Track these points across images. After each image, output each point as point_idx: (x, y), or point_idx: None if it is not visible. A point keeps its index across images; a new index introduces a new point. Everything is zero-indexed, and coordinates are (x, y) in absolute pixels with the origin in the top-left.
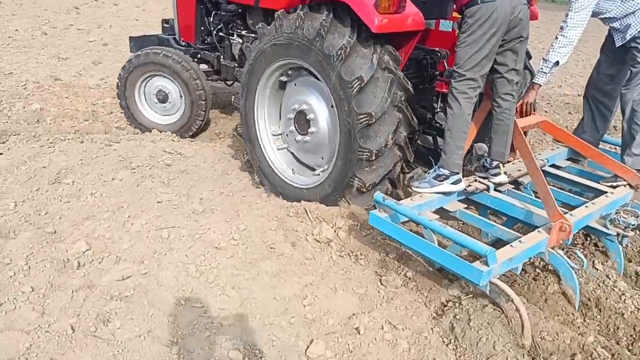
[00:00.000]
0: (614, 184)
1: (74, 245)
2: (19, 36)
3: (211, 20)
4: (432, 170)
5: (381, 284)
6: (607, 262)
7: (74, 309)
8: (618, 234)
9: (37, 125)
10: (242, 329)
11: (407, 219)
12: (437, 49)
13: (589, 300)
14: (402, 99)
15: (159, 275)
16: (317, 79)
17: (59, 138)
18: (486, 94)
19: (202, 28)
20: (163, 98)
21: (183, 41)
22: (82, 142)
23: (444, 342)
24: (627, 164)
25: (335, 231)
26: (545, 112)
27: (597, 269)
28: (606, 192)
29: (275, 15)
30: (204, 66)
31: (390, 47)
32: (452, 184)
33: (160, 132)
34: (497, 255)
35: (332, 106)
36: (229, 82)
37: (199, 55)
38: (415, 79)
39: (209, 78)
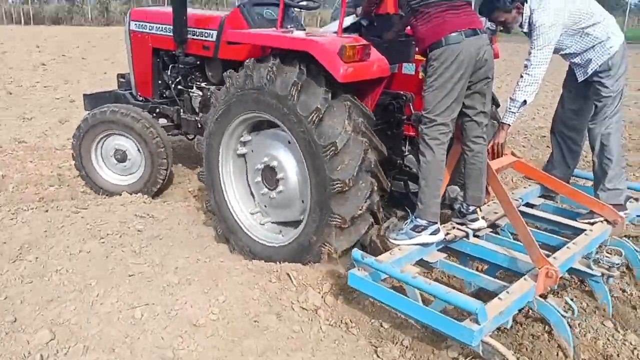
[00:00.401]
0: (591, 220)
1: (36, 335)
2: None
3: (169, 73)
4: (409, 220)
5: (377, 355)
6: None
7: None
8: (603, 274)
9: None
10: None
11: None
12: (401, 92)
13: (603, 358)
14: (376, 163)
15: None
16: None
17: (21, 208)
18: (456, 138)
19: (160, 82)
20: (122, 157)
21: (140, 96)
22: (47, 210)
23: None
24: (601, 199)
25: (322, 297)
26: (523, 146)
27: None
28: (585, 230)
29: (245, 64)
30: (163, 120)
31: (362, 106)
32: (430, 234)
33: (122, 194)
34: (487, 311)
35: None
36: (190, 136)
37: (157, 110)
38: (383, 124)
39: (170, 133)
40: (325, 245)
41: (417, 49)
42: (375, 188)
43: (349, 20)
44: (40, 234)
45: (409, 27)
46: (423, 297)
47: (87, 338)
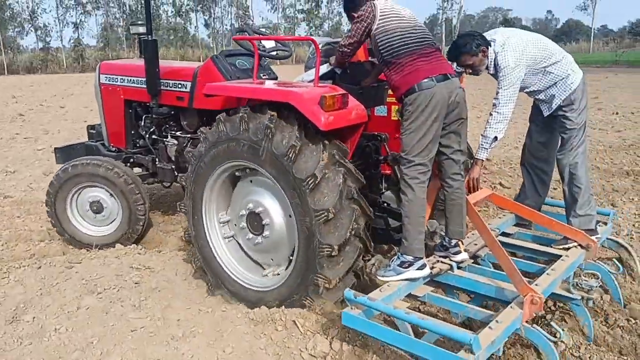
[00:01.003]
0: (566, 246)
1: None
2: None
3: (142, 124)
4: (396, 257)
5: None
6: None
7: None
8: (582, 297)
9: None
10: None
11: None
12: (376, 133)
13: None
14: (356, 190)
15: None
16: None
17: (13, 266)
18: (434, 175)
19: (133, 132)
20: (98, 209)
21: (113, 146)
22: (40, 267)
23: None
24: (574, 226)
25: (330, 343)
26: (510, 176)
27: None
28: (561, 256)
29: (218, 118)
30: (137, 170)
31: (337, 141)
32: (417, 269)
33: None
34: (480, 341)
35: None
36: (167, 184)
37: (131, 160)
38: (361, 164)
39: (145, 181)
40: (319, 277)
41: (389, 92)
42: (359, 213)
43: (323, 69)
44: (35, 292)
45: (382, 74)
46: (414, 330)
47: None
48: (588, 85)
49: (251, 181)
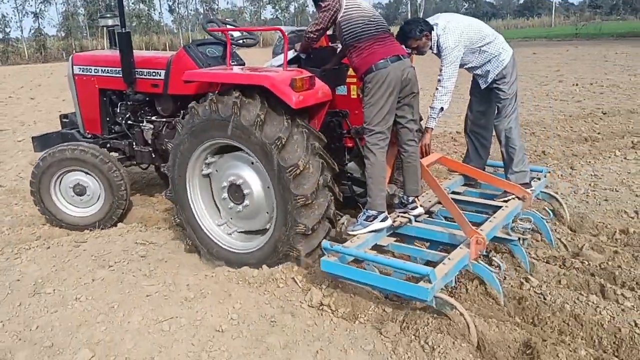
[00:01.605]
0: (506, 198)
1: (77, 356)
2: None
3: (118, 110)
4: (362, 214)
5: (382, 334)
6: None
7: None
8: (519, 238)
9: None
10: None
11: (351, 259)
12: (338, 110)
13: (571, 318)
14: (320, 147)
15: None
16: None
17: (23, 248)
18: (392, 143)
19: (108, 119)
20: (80, 191)
21: (88, 133)
22: (49, 247)
23: None
24: (512, 181)
25: (324, 294)
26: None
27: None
28: (502, 207)
29: (210, 97)
30: (114, 154)
31: (315, 132)
32: (380, 221)
33: (117, 225)
34: (436, 273)
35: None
36: (144, 166)
37: (108, 145)
38: (327, 139)
39: (123, 165)
40: (292, 250)
41: (349, 73)
42: (332, 199)
43: (289, 55)
44: (49, 269)
45: (345, 58)
46: (381, 272)
47: (125, 352)
48: (549, 59)
49: (234, 156)
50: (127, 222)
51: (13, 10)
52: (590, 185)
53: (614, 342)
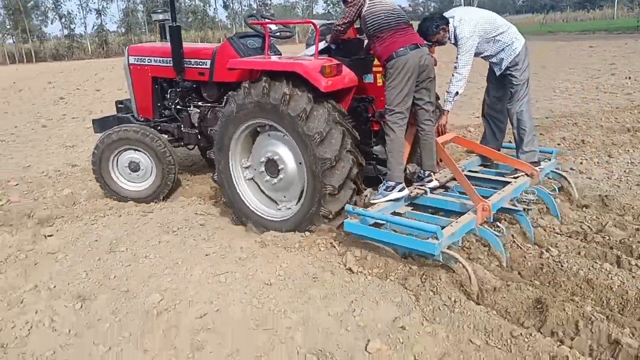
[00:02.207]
0: (515, 175)
1: (149, 299)
2: (20, 132)
3: (168, 96)
4: (382, 184)
5: (406, 288)
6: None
7: (171, 344)
8: (524, 209)
9: (75, 207)
10: (311, 340)
11: (372, 222)
12: (365, 96)
13: (584, 282)
14: (340, 117)
15: (228, 310)
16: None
17: (99, 215)
18: (411, 123)
19: (159, 104)
20: (135, 168)
21: (141, 117)
22: (120, 216)
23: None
24: (522, 160)
25: (358, 258)
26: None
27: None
28: (510, 182)
29: (243, 85)
30: (164, 136)
31: (335, 104)
32: (398, 191)
33: (179, 198)
34: (443, 232)
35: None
36: (190, 147)
37: (158, 127)
38: (354, 122)
39: (172, 145)
40: (322, 210)
41: (375, 63)
42: (354, 163)
43: (321, 45)
44: (121, 233)
45: (370, 48)
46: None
47: (189, 297)
48: (606, 52)
49: (269, 135)
50: (187, 196)
51: (77, 8)
52: (624, 171)
53: (620, 303)
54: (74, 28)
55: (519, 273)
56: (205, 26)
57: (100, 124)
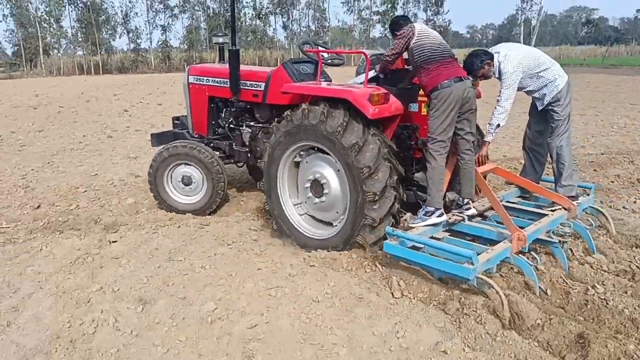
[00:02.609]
0: (553, 208)
1: (204, 307)
2: (88, 140)
3: (222, 115)
4: (421, 209)
5: (445, 312)
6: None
7: (223, 350)
8: (560, 241)
9: (137, 216)
10: (356, 357)
11: (411, 245)
12: (409, 124)
13: (628, 321)
14: (389, 153)
15: (277, 322)
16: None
17: (159, 225)
18: (452, 152)
19: (213, 122)
20: (187, 181)
21: (196, 134)
22: (179, 227)
23: None
24: (560, 193)
25: (404, 280)
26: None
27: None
28: (547, 214)
29: (302, 107)
30: (216, 153)
31: (387, 140)
32: (437, 217)
33: (235, 213)
34: (479, 258)
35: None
36: (240, 164)
37: (211, 145)
38: (398, 148)
39: (223, 162)
40: (360, 239)
41: (420, 93)
42: (397, 199)
43: (370, 74)
44: (180, 243)
45: (415, 78)
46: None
47: (241, 308)
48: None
49: (307, 162)
50: (242, 212)
51: (145, 23)
52: None
53: None
54: (140, 43)
55: (563, 308)
56: (264, 45)
57: (158, 138)
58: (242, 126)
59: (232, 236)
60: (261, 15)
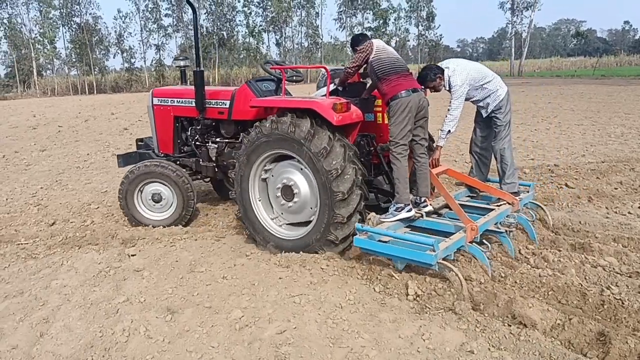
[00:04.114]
0: (499, 204)
1: (231, 314)
2: (93, 159)
3: (188, 133)
4: (392, 205)
5: (455, 313)
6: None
7: (256, 355)
8: (506, 231)
9: (153, 230)
10: (385, 358)
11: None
12: (367, 133)
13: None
14: (354, 155)
15: (305, 328)
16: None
17: (176, 238)
18: (408, 156)
19: (179, 141)
20: (158, 199)
21: (162, 153)
22: (196, 239)
23: None
24: (504, 190)
25: (418, 286)
26: (575, 179)
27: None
28: (494, 209)
29: (269, 119)
30: (183, 170)
31: (351, 145)
32: (407, 212)
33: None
34: (440, 245)
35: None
36: (207, 180)
37: (177, 162)
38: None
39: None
40: (330, 235)
41: (375, 104)
42: (362, 197)
43: (330, 87)
44: (199, 255)
45: (374, 90)
46: None
47: (267, 315)
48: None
49: (272, 175)
50: None
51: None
52: None
53: None
54: (134, 62)
55: (581, 308)
56: (257, 62)
57: (124, 160)
58: (208, 142)
59: (248, 248)
60: (254, 33)
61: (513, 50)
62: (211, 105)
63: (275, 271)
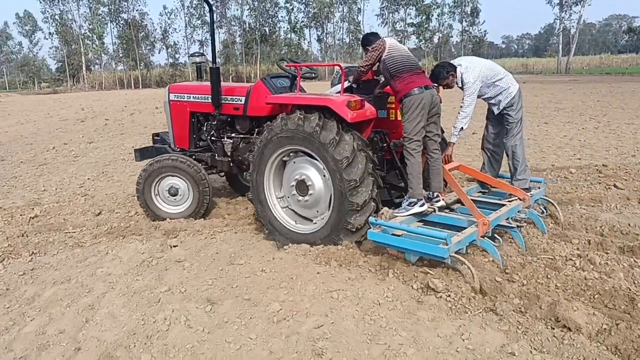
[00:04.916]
0: (510, 200)
1: (269, 307)
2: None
3: (204, 129)
4: (405, 200)
5: (512, 319)
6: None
7: (293, 348)
8: (517, 226)
9: (195, 222)
10: (423, 357)
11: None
12: (379, 129)
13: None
14: (363, 145)
15: (342, 323)
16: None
17: (217, 231)
18: (422, 152)
19: (195, 136)
20: (174, 192)
21: (178, 148)
22: (236, 232)
23: None
24: (515, 186)
25: (457, 286)
26: (625, 179)
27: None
28: (505, 204)
29: (280, 117)
30: (199, 164)
31: (360, 135)
32: (420, 206)
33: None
34: (452, 239)
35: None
36: (222, 174)
37: (193, 157)
38: (371, 151)
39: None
40: (346, 224)
41: (389, 100)
42: (375, 184)
43: (345, 85)
44: (238, 248)
45: (387, 87)
46: None
47: (305, 309)
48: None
49: (294, 162)
50: None
51: (183, 39)
52: None
53: None
54: (178, 57)
55: (629, 314)
56: (298, 58)
57: (141, 153)
58: (223, 138)
59: None
60: (296, 29)
61: (561, 46)
62: (227, 101)
63: (313, 266)
